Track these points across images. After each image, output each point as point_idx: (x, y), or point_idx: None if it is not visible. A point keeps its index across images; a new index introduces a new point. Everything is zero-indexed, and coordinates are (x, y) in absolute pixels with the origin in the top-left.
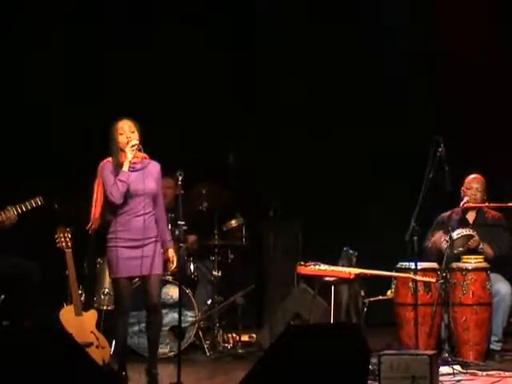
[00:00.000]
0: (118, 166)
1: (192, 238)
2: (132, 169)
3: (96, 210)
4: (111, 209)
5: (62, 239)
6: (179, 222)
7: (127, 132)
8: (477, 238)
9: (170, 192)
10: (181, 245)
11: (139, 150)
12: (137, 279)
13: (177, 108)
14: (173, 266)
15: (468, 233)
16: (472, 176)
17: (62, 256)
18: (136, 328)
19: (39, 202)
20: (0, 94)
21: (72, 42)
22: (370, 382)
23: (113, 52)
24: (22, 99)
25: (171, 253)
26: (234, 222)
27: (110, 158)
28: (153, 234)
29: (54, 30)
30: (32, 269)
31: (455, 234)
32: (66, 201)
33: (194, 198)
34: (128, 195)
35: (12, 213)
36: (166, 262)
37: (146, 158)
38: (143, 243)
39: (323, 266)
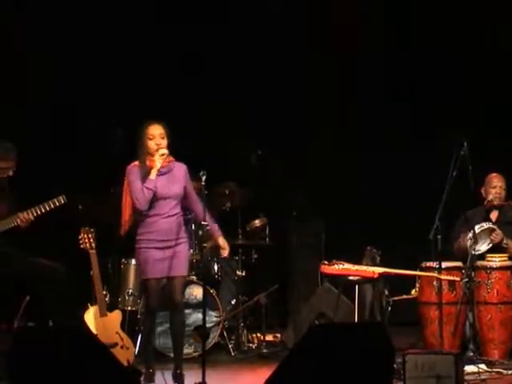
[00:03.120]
0: (144, 172)
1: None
2: (160, 173)
3: (126, 212)
4: (139, 211)
5: (86, 240)
6: (202, 223)
7: (157, 138)
8: (499, 231)
9: None
10: (204, 245)
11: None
12: (164, 280)
13: (201, 108)
14: (226, 251)
15: (489, 226)
16: (494, 174)
17: (86, 257)
18: (161, 328)
19: (62, 200)
20: (26, 94)
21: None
22: (394, 381)
23: (139, 52)
24: (48, 99)
25: (221, 240)
26: (257, 222)
27: (136, 162)
28: (179, 235)
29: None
30: (57, 270)
31: (477, 228)
32: (89, 202)
33: (218, 198)
34: (156, 198)
35: (30, 215)
36: (218, 249)
37: (171, 161)
38: (170, 244)
39: (347, 265)
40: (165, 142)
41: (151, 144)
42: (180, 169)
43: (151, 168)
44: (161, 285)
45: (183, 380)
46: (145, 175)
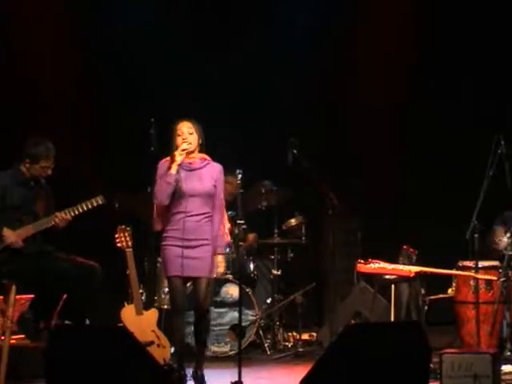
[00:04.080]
0: (169, 167)
1: (252, 236)
2: (187, 168)
3: (157, 209)
4: (165, 208)
5: (123, 239)
6: (239, 221)
7: (185, 133)
8: None
9: (228, 187)
10: (240, 243)
11: (200, 151)
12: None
13: (237, 107)
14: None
15: None
16: None
17: (122, 255)
18: (192, 328)
19: (100, 201)
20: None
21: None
22: (431, 381)
23: (176, 52)
24: (87, 98)
25: (216, 259)
26: (293, 221)
27: (168, 158)
28: (206, 235)
29: None
30: (94, 268)
31: None
32: (126, 200)
33: (254, 197)
34: (181, 195)
35: (68, 215)
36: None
37: (205, 159)
38: (195, 244)
39: (383, 264)
40: (192, 138)
41: (179, 140)
42: (213, 168)
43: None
44: (187, 285)
45: (203, 381)
46: (168, 170)
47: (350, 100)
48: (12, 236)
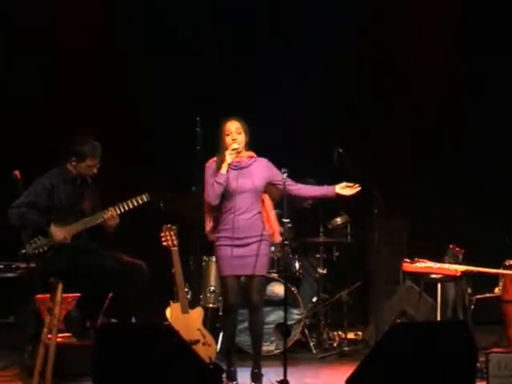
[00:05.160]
0: (218, 167)
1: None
2: (235, 167)
3: (208, 215)
4: (216, 208)
5: (168, 237)
6: (284, 220)
7: (233, 133)
8: None
9: (274, 189)
10: (286, 242)
11: (246, 150)
12: (243, 278)
13: (282, 107)
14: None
15: None
16: None
17: (168, 254)
18: (242, 325)
19: (145, 198)
20: (104, 93)
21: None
22: (477, 380)
23: (221, 52)
24: (125, 100)
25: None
26: (339, 220)
27: (215, 158)
28: (257, 232)
29: None
30: (140, 267)
31: None
32: (171, 199)
33: (298, 199)
34: (231, 193)
35: (113, 212)
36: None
37: (252, 157)
38: (247, 242)
39: (429, 264)
40: (241, 137)
41: (228, 139)
42: (260, 164)
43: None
44: (240, 283)
45: (261, 379)
46: (218, 170)
47: (392, 98)
48: (60, 233)
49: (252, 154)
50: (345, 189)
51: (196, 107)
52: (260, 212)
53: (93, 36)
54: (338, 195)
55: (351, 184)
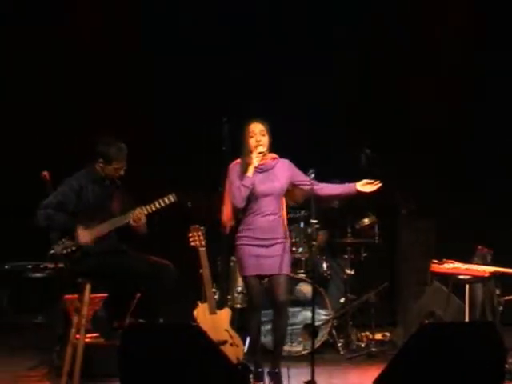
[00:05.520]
0: (243, 169)
1: (322, 234)
2: (259, 170)
3: (228, 210)
4: (240, 209)
5: (196, 238)
6: (311, 220)
7: (257, 135)
8: None
9: (297, 191)
10: (313, 243)
11: (268, 152)
12: (266, 279)
13: (308, 107)
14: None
15: None
16: None
17: (195, 255)
18: (268, 326)
19: (172, 198)
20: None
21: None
22: (506, 381)
23: (245, 52)
24: (151, 101)
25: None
26: (366, 220)
27: (238, 160)
28: (279, 234)
29: None
30: (168, 267)
31: None
32: (199, 200)
33: (323, 199)
34: (255, 196)
35: (140, 213)
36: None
37: (275, 158)
38: (270, 243)
39: (457, 264)
40: (265, 139)
41: (252, 141)
42: (282, 165)
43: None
44: (263, 283)
45: (280, 379)
46: (243, 173)
47: (420, 100)
48: (85, 235)
49: (275, 155)
50: (365, 186)
51: (222, 108)
52: (283, 213)
53: (123, 37)
54: (360, 192)
55: (371, 181)
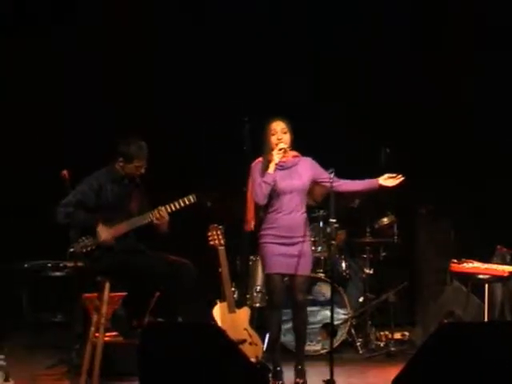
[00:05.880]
0: (265, 166)
1: (341, 234)
2: (281, 167)
3: (250, 208)
4: (262, 207)
5: (215, 237)
6: (331, 220)
7: (279, 133)
8: None
9: (317, 189)
10: (332, 242)
11: (290, 150)
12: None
13: (330, 105)
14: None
15: None
16: None
17: (214, 254)
18: (288, 325)
19: (192, 199)
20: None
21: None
22: None
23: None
24: (174, 101)
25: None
26: (385, 220)
27: (260, 158)
28: (301, 233)
29: None
30: (187, 266)
31: None
32: (218, 199)
33: (345, 196)
34: (276, 193)
35: (163, 212)
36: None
37: (297, 156)
38: (293, 241)
39: (477, 264)
40: (286, 137)
41: (273, 139)
42: (305, 163)
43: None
44: (284, 282)
45: (305, 376)
46: (265, 170)
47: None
48: (105, 233)
49: (296, 153)
50: (388, 180)
51: (245, 107)
52: (305, 211)
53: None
54: (382, 187)
55: (394, 175)
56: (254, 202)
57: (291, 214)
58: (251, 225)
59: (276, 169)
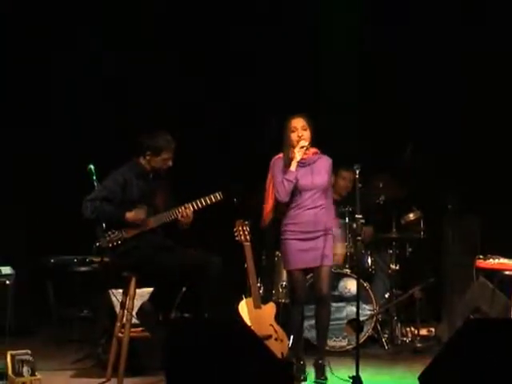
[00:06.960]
0: (286, 164)
1: (368, 230)
2: (302, 164)
3: (268, 205)
4: (283, 203)
5: (241, 232)
6: (357, 216)
7: (299, 130)
8: None
9: (341, 182)
10: (358, 238)
11: (310, 146)
12: (311, 274)
13: (355, 102)
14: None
15: None
16: None
17: (240, 249)
18: (312, 321)
19: (218, 197)
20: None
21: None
22: None
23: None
24: (202, 98)
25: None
26: (411, 216)
27: (281, 155)
28: (323, 227)
29: None
30: (213, 262)
31: None
32: (244, 194)
33: (372, 192)
34: (299, 190)
35: (189, 210)
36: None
37: (316, 153)
38: (314, 236)
39: (503, 260)
40: (307, 134)
41: (293, 136)
42: (324, 161)
43: (293, 160)
44: (307, 278)
45: (324, 370)
46: (286, 167)
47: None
48: (139, 213)
49: (316, 150)
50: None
51: (270, 104)
52: (325, 206)
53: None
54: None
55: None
56: (275, 199)
57: (312, 210)
58: (266, 222)
59: (297, 166)
